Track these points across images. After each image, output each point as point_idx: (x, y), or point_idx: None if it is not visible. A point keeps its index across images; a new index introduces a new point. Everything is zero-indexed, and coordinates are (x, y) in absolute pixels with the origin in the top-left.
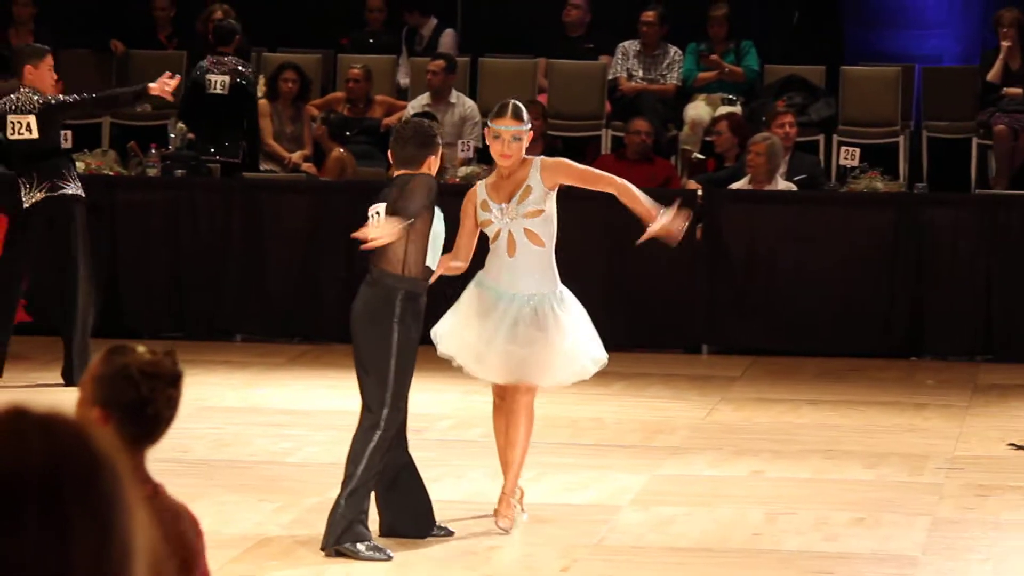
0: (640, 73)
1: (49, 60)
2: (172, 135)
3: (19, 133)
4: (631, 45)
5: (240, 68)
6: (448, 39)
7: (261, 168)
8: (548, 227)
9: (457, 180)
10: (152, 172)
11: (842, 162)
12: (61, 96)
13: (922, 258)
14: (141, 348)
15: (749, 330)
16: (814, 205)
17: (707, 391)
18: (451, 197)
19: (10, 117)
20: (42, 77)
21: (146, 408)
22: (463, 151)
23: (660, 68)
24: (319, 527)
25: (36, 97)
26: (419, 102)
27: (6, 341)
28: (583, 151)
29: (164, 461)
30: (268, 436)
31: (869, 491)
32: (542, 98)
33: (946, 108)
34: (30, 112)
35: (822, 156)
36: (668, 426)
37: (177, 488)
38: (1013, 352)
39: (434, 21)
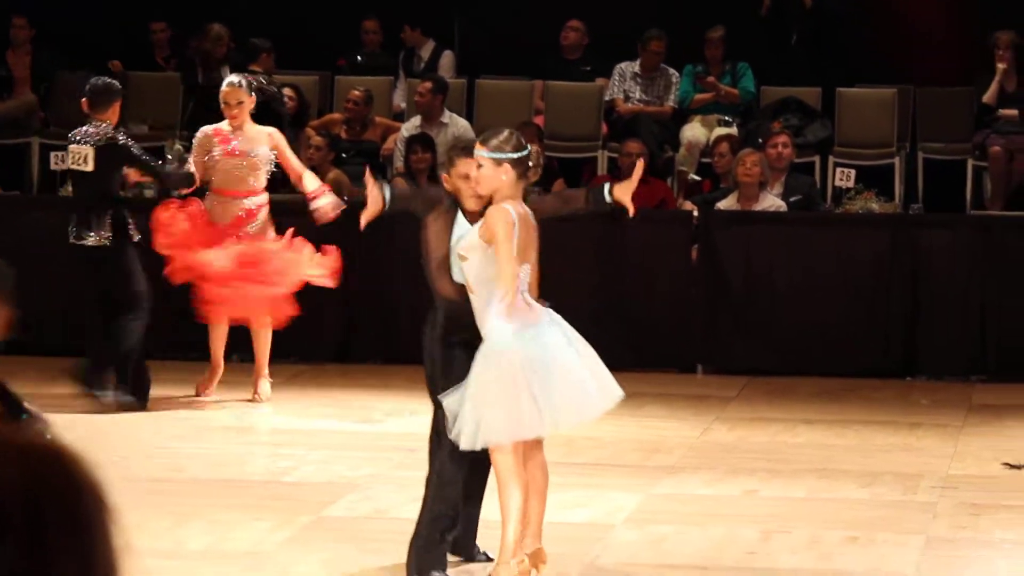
0: (637, 95)
1: None
2: (169, 156)
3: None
4: (628, 66)
5: (266, 86)
6: (446, 61)
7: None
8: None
9: None
10: (149, 193)
11: (838, 183)
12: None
13: (917, 279)
14: None
15: (745, 350)
16: (810, 226)
17: (703, 411)
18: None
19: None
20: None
21: None
22: None
23: (658, 90)
24: (314, 545)
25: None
26: (412, 124)
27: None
28: (579, 172)
29: (160, 480)
30: (264, 455)
31: (863, 510)
32: (539, 120)
33: (942, 130)
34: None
35: (818, 177)
36: (664, 445)
37: (172, 506)
38: (1007, 372)
39: (432, 43)
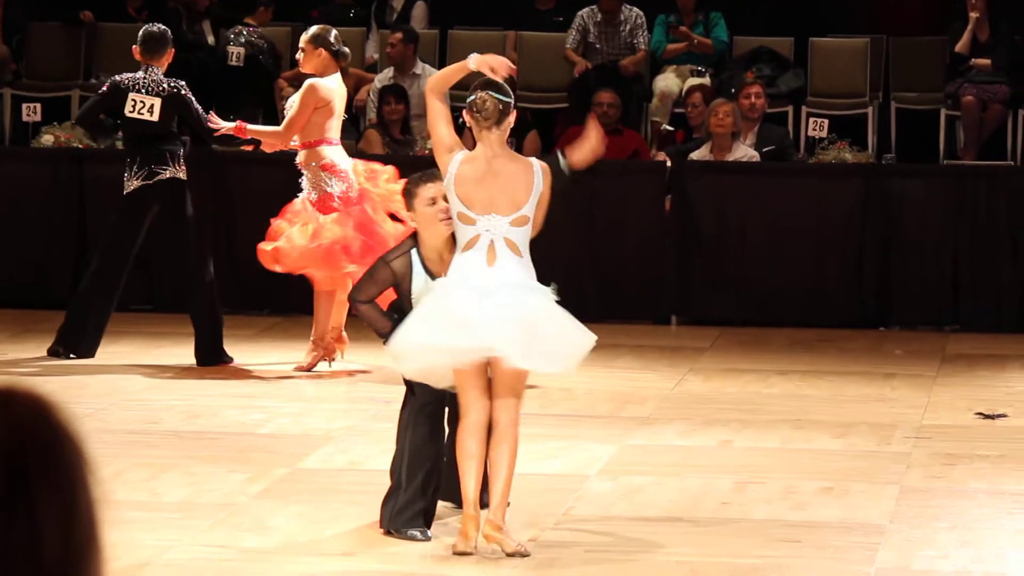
0: (604, 46)
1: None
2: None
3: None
4: (591, 16)
5: (255, 40)
6: (419, 12)
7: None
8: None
9: (426, 152)
10: (122, 145)
11: (811, 133)
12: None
13: (890, 229)
14: None
15: (718, 301)
16: (783, 176)
17: (677, 362)
18: (418, 168)
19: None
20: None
21: None
22: None
23: (623, 36)
24: (289, 497)
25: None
26: (385, 75)
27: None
28: (552, 124)
29: (135, 432)
30: (238, 407)
31: (837, 460)
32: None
33: (914, 79)
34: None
35: (791, 127)
36: (638, 396)
37: (148, 458)
38: (981, 322)
39: None
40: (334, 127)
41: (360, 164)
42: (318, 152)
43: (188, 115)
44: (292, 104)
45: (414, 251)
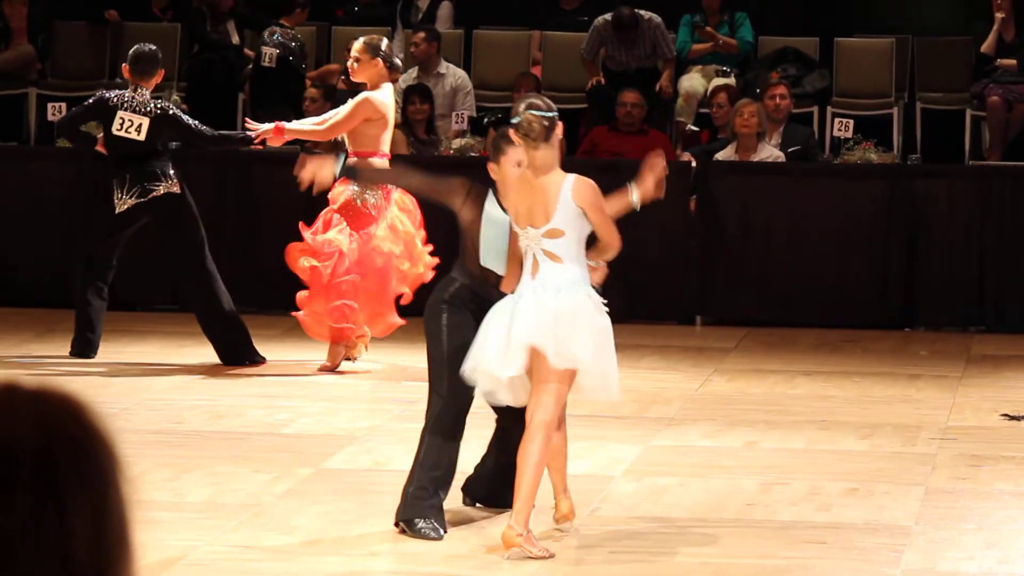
0: (623, 56)
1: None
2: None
3: (127, 132)
4: (605, 27)
5: (288, 42)
6: (444, 12)
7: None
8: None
9: (451, 152)
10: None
11: (836, 134)
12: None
13: (916, 229)
14: None
15: (743, 301)
16: (808, 176)
17: (701, 362)
18: (444, 169)
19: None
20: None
21: None
22: (457, 123)
23: (644, 47)
24: (314, 497)
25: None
26: (409, 75)
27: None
28: (577, 124)
29: (159, 432)
30: (262, 407)
31: (862, 461)
32: (536, 71)
33: (940, 80)
34: (144, 114)
35: (816, 128)
36: (662, 397)
37: (171, 458)
38: (1006, 323)
39: None
40: (386, 140)
41: (409, 200)
42: (369, 163)
43: (181, 132)
44: (341, 110)
45: (492, 190)
